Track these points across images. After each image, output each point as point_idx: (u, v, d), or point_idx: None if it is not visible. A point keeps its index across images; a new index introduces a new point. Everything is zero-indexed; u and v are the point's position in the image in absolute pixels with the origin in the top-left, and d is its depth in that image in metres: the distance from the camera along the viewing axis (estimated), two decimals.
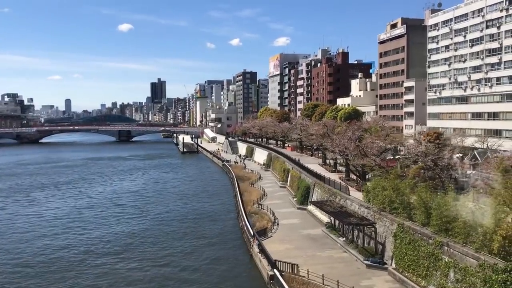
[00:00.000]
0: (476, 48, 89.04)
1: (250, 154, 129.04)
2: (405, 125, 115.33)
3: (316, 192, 60.31)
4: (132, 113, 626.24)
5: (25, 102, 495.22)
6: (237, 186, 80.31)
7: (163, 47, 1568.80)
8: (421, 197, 34.84)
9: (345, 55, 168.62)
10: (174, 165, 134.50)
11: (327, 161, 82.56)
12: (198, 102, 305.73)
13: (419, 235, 34.66)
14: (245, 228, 53.21)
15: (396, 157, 67.89)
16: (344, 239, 45.42)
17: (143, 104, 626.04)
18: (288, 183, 78.91)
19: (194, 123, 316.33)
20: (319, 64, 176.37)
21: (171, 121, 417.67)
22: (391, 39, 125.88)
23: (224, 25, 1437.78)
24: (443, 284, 30.95)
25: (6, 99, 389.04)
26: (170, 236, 56.10)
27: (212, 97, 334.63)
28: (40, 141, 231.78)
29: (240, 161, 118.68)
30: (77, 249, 50.73)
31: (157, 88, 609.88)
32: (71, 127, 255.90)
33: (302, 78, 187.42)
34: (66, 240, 54.18)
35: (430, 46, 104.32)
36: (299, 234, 50.25)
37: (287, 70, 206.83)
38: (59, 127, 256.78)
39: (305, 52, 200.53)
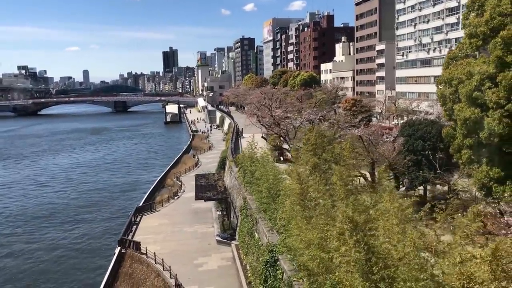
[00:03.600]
0: (438, 8, 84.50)
1: (221, 123, 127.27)
2: (377, 90, 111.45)
3: (227, 164, 58.50)
4: (145, 83, 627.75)
5: (39, 74, 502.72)
6: (176, 158, 79.29)
7: (178, 14, 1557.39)
8: (250, 169, 32.83)
9: (330, 18, 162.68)
10: (150, 135, 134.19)
11: None
12: (199, 71, 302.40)
13: (250, 209, 32.82)
14: None
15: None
16: (219, 213, 43.92)
17: (160, 73, 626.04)
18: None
19: (196, 92, 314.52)
20: (306, 29, 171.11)
21: (180, 90, 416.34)
22: (365, 0, 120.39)
23: None
24: (251, 262, 29.35)
25: (16, 71, 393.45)
26: (73, 205, 56.62)
27: (215, 65, 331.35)
28: (39, 113, 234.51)
29: (207, 130, 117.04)
30: None
31: (169, 57, 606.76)
32: (66, 99, 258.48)
33: (292, 43, 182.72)
34: None
35: (398, 6, 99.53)
36: (188, 207, 48.84)
37: (279, 35, 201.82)
38: (54, 99, 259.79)
39: None
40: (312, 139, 22.66)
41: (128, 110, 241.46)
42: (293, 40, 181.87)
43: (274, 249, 23.65)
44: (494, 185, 26.22)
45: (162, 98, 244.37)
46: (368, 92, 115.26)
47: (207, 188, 41.21)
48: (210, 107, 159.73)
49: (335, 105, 78.42)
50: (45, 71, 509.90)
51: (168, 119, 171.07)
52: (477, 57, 28.49)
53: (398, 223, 16.57)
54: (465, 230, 15.57)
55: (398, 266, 13.53)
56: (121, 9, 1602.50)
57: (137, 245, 36.59)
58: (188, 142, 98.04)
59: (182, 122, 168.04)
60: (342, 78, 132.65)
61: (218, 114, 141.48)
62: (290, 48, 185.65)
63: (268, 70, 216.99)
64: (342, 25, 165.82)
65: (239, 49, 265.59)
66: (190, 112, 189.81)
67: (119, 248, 36.86)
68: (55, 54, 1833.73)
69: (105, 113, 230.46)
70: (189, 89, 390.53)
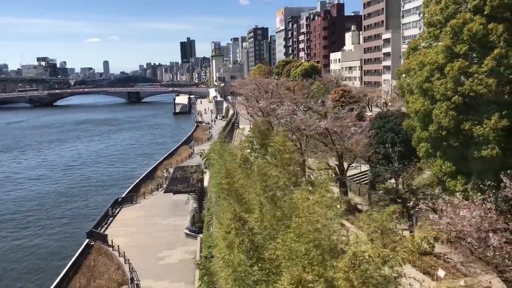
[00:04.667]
0: None
1: (227, 114, 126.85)
2: (384, 80, 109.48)
3: None
4: (163, 74, 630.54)
5: (59, 66, 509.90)
6: (172, 149, 79.45)
7: (197, 5, 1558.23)
8: (212, 162, 32.43)
9: (340, 7, 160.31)
10: (157, 126, 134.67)
11: None
12: (214, 61, 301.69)
13: (211, 203, 32.50)
14: None
15: None
16: (195, 205, 43.66)
17: (179, 64, 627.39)
18: None
19: (211, 82, 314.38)
20: (316, 18, 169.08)
21: (196, 81, 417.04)
22: None
23: None
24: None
25: (36, 63, 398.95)
26: (61, 197, 57.40)
27: (230, 55, 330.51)
28: (54, 104, 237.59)
29: (212, 121, 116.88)
30: None
31: (187, 48, 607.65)
32: (81, 90, 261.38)
33: (303, 33, 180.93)
34: None
35: None
36: (169, 200, 48.57)
37: (290, 24, 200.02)
38: (69, 90, 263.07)
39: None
40: (251, 132, 22.05)
41: (142, 100, 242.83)
42: (304, 30, 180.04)
43: (211, 245, 23.31)
44: (447, 180, 25.29)
45: (175, 89, 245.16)
46: (375, 82, 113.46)
47: (180, 180, 41.00)
48: (218, 98, 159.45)
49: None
50: (65, 63, 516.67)
51: (178, 110, 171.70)
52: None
53: (307, 222, 15.96)
54: (364, 230, 14.96)
55: (273, 268, 12.99)
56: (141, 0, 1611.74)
57: (104, 238, 36.71)
58: (189, 133, 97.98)
59: (191, 113, 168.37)
60: (350, 67, 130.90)
61: (225, 105, 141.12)
62: (301, 37, 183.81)
63: (280, 60, 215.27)
64: (352, 14, 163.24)
65: (253, 39, 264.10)
66: (201, 103, 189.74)
67: (87, 240, 37.05)
68: (75, 46, 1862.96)
69: (119, 103, 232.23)
70: (205, 80, 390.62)
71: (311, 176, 28.59)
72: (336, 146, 33.78)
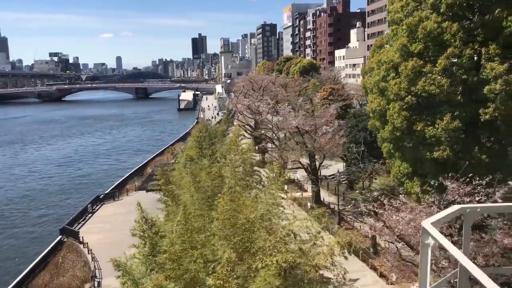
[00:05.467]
0: None
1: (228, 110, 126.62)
2: None
3: None
4: (174, 70, 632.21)
5: (71, 61, 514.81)
6: (167, 145, 79.56)
7: (209, 0, 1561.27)
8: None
9: (346, 3, 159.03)
10: (159, 122, 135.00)
11: None
12: (222, 57, 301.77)
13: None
14: None
15: None
16: None
17: (190, 60, 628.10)
18: None
19: (219, 79, 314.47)
20: (322, 14, 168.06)
21: (206, 77, 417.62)
22: None
23: None
24: None
25: (48, 58, 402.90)
26: (48, 192, 57.87)
27: (240, 52, 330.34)
28: (63, 99, 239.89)
29: (212, 118, 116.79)
30: None
31: (198, 44, 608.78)
32: (89, 85, 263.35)
33: (310, 29, 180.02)
34: None
35: None
36: (153, 196, 48.22)
37: (297, 21, 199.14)
38: (77, 86, 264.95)
39: None
40: (196, 132, 21.79)
41: (150, 96, 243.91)
42: (310, 26, 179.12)
43: None
44: (405, 181, 24.76)
45: (182, 85, 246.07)
46: None
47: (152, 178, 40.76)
48: (222, 94, 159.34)
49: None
50: (77, 58, 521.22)
51: (182, 106, 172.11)
52: None
53: (229, 225, 15.64)
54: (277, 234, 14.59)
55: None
56: None
57: (76, 234, 36.74)
58: (188, 130, 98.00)
59: (196, 109, 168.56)
60: (354, 65, 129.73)
61: (227, 101, 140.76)
62: (307, 34, 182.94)
63: (286, 56, 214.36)
64: (358, 10, 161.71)
65: (261, 35, 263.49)
66: (207, 99, 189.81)
67: (60, 237, 37.11)
68: (89, 41, 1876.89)
69: (127, 99, 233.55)
70: (214, 76, 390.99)
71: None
72: (306, 144, 33.34)
